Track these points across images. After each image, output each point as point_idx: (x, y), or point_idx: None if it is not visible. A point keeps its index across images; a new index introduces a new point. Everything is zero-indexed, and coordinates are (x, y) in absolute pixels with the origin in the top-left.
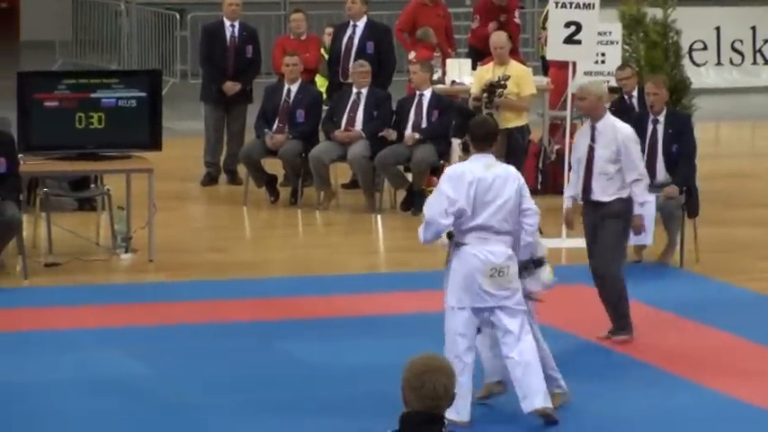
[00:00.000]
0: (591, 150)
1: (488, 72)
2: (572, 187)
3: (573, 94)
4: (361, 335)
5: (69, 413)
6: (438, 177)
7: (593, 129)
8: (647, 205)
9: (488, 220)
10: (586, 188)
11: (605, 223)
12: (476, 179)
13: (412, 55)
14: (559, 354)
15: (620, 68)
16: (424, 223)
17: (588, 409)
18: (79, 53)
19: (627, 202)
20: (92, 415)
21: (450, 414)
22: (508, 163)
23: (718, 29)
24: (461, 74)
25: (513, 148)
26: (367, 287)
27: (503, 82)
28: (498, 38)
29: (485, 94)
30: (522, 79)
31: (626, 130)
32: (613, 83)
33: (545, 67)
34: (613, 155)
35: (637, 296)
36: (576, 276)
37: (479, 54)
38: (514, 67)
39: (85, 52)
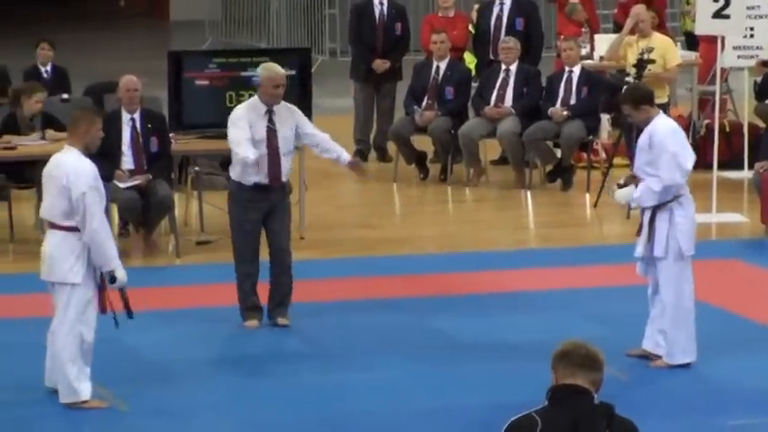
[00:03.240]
0: (273, 133)
1: (632, 45)
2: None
3: (722, 69)
4: (510, 311)
5: (219, 390)
6: (587, 154)
7: (269, 113)
8: None
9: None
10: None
11: (284, 204)
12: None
13: None
14: (707, 329)
15: None
16: (660, 189)
17: (737, 385)
18: (228, 32)
19: None
20: (240, 392)
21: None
22: None
23: None
24: None
25: None
26: (517, 263)
27: (646, 56)
28: (638, 11)
29: (634, 70)
30: (667, 51)
31: (297, 110)
32: (763, 56)
33: (689, 42)
34: (293, 131)
35: None
36: (728, 251)
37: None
38: (658, 39)
39: (235, 31)
